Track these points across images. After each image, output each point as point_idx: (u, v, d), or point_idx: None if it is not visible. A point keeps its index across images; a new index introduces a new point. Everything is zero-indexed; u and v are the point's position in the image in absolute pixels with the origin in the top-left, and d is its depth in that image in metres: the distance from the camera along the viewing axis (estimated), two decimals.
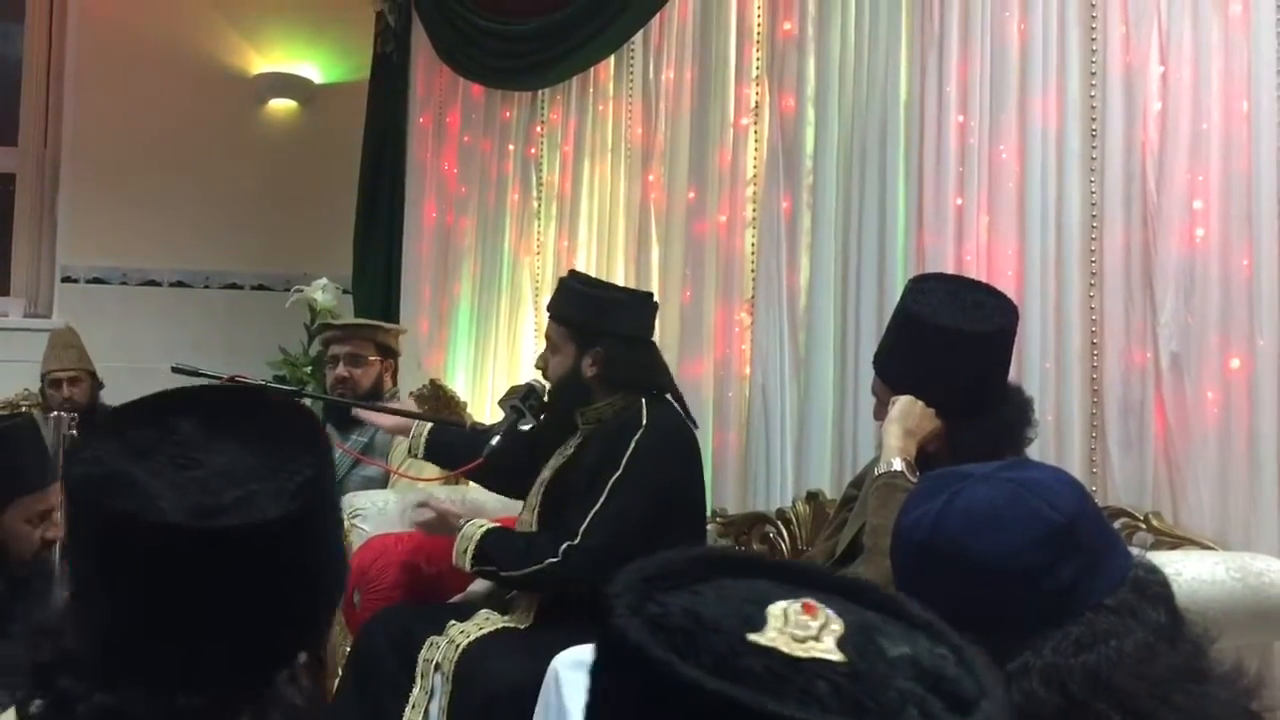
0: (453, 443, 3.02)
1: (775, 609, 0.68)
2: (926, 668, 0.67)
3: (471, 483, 3.19)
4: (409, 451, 3.09)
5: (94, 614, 1.00)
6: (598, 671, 0.71)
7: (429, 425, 3.04)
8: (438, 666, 2.51)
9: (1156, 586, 1.10)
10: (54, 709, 0.97)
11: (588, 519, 2.50)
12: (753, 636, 0.66)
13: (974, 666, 0.69)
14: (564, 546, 2.49)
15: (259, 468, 0.98)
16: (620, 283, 3.81)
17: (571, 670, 2.31)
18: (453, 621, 2.60)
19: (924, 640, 0.70)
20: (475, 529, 2.61)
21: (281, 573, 0.99)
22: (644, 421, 2.61)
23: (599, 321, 2.71)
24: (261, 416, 1.04)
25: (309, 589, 1.03)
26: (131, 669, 0.96)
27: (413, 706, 2.53)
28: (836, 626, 0.67)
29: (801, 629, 0.66)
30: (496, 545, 2.59)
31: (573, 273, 2.98)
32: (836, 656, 0.65)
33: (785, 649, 0.65)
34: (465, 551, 2.59)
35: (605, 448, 2.61)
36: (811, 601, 0.68)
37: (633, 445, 2.57)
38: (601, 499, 2.51)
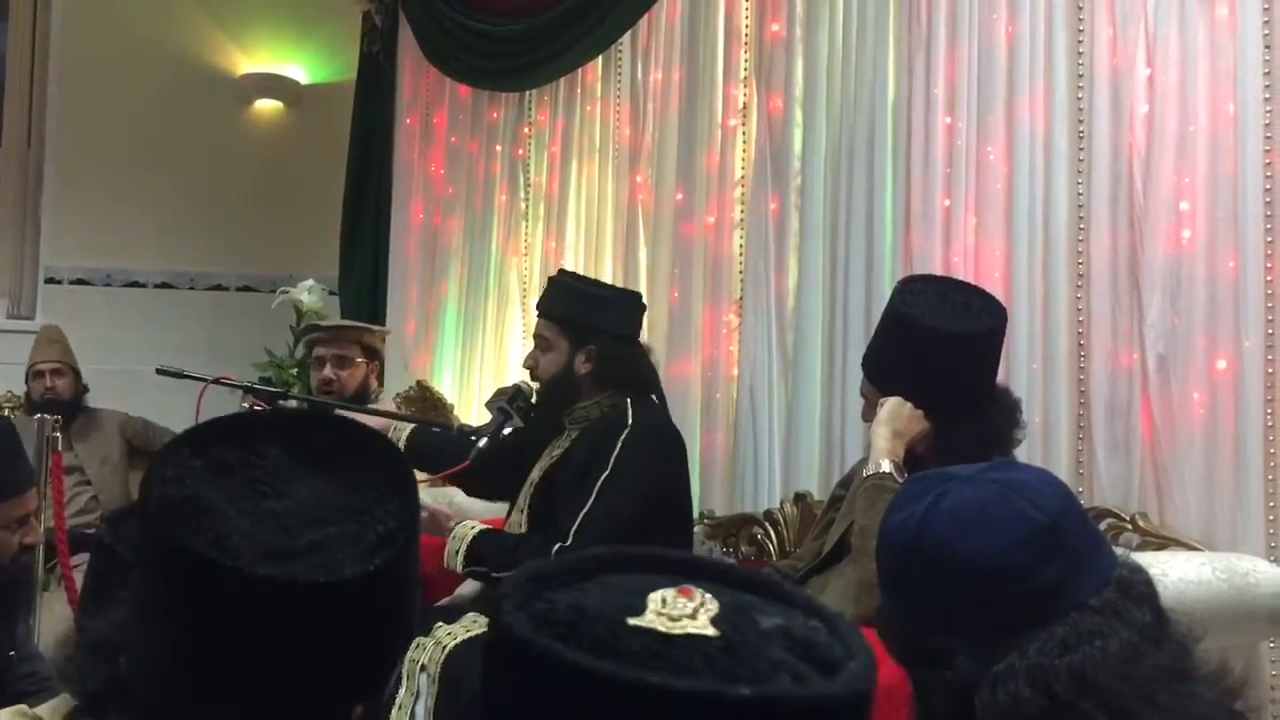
0: (432, 445, 3.00)
1: (654, 595, 0.72)
2: (798, 637, 0.72)
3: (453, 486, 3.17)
4: None
5: (151, 646, 0.96)
6: (489, 668, 0.74)
7: (408, 429, 3.01)
8: (423, 668, 2.50)
9: (1141, 586, 1.10)
10: None
11: (578, 519, 2.49)
12: (632, 620, 0.70)
13: (844, 634, 0.73)
14: (555, 548, 2.48)
15: (343, 508, 0.95)
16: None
17: None
18: (440, 623, 2.59)
19: (799, 615, 0.74)
20: (467, 529, 2.60)
21: (350, 632, 0.95)
22: (629, 421, 2.60)
23: (593, 318, 2.69)
24: (352, 452, 1.00)
25: (376, 647, 0.99)
26: (185, 710, 0.94)
27: (399, 707, 2.51)
28: (712, 606, 0.71)
29: (677, 610, 0.71)
30: (489, 546, 2.58)
31: (563, 271, 2.97)
32: (710, 631, 0.69)
33: (662, 628, 0.69)
34: (457, 552, 2.58)
35: (593, 447, 2.61)
36: (688, 586, 0.73)
37: (619, 445, 2.55)
38: (591, 499, 2.51)
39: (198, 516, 0.92)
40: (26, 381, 4.30)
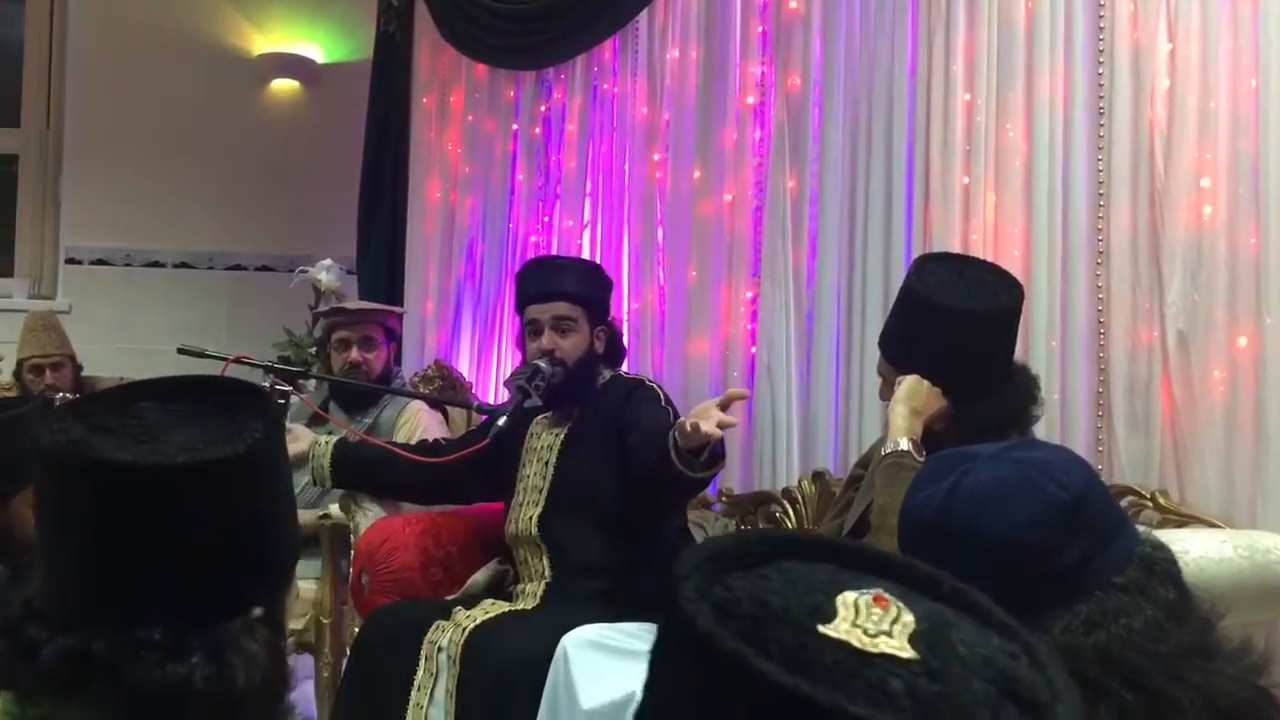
0: (368, 460, 2.95)
1: (845, 599, 0.65)
2: (1000, 668, 0.65)
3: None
4: (314, 482, 2.98)
5: (55, 565, 1.04)
6: (660, 652, 0.69)
7: (330, 446, 2.93)
8: (442, 649, 2.53)
9: (1164, 564, 1.10)
10: (19, 656, 1.01)
11: None
12: (823, 628, 0.64)
13: (1047, 668, 0.67)
14: None
15: (215, 439, 1.04)
16: (625, 263, 3.82)
17: (580, 649, 2.32)
18: (459, 608, 2.62)
19: (996, 638, 0.68)
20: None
21: (226, 517, 1.03)
22: (638, 379, 2.82)
23: (606, 298, 2.84)
24: (222, 400, 1.09)
25: (256, 539, 1.07)
26: (90, 610, 1.01)
27: (418, 688, 2.54)
28: (909, 620, 0.65)
29: (873, 622, 0.64)
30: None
31: (554, 257, 3.04)
32: (909, 654, 0.63)
33: (856, 644, 0.63)
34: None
35: (625, 410, 2.67)
36: (883, 593, 0.66)
37: (657, 390, 2.73)
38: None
39: (85, 448, 1.01)
40: (18, 372, 4.01)
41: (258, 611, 1.06)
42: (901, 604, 0.65)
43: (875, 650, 0.63)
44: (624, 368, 2.97)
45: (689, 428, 2.23)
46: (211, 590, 1.03)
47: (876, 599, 0.65)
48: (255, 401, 1.11)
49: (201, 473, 1.01)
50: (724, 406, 2.28)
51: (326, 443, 2.96)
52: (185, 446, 1.02)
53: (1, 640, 1.03)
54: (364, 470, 2.96)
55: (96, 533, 1.02)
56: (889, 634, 0.63)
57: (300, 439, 2.93)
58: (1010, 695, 0.63)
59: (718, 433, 2.22)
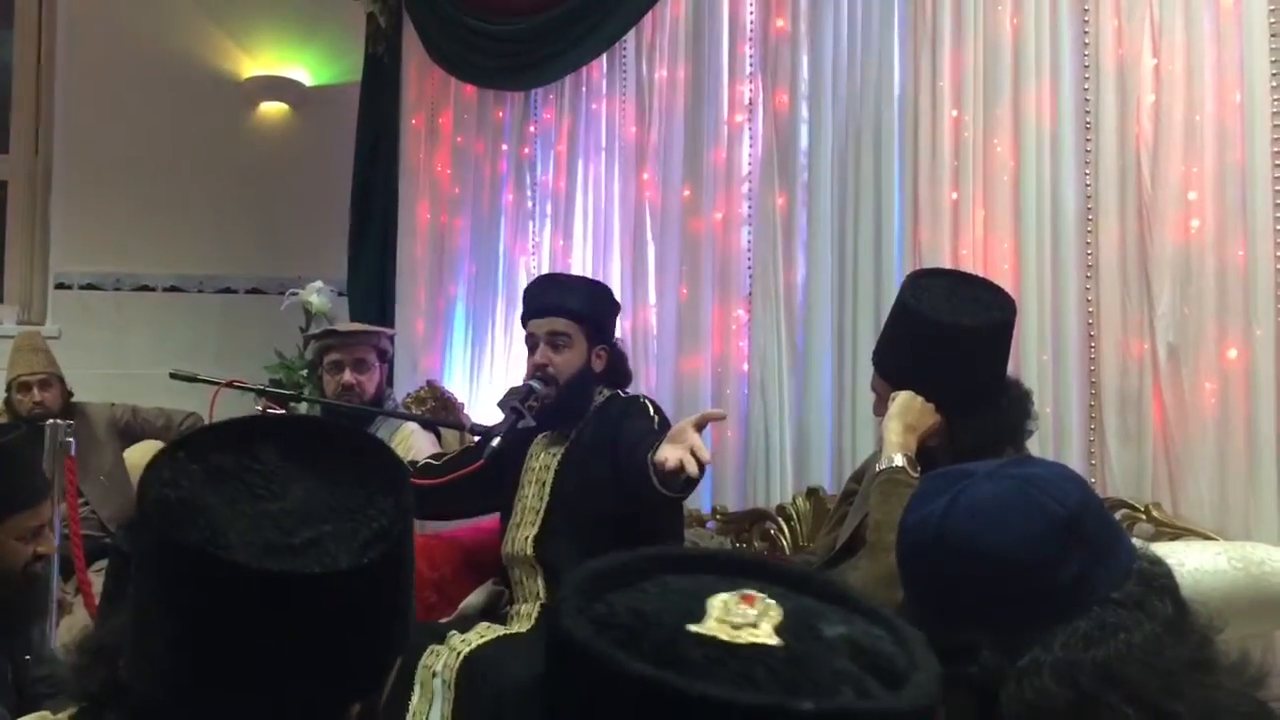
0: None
1: (715, 600, 0.71)
2: (862, 647, 0.70)
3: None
4: None
5: (149, 646, 0.98)
6: (549, 671, 0.74)
7: None
8: (436, 674, 2.51)
9: (1162, 578, 1.10)
10: None
11: None
12: (693, 627, 0.69)
13: (908, 643, 0.72)
14: None
15: (337, 507, 0.96)
16: (617, 282, 3.82)
17: None
18: (453, 632, 2.60)
19: (861, 621, 0.73)
20: None
21: (345, 625, 0.96)
22: (633, 397, 2.78)
23: (608, 319, 2.82)
24: (347, 453, 1.02)
25: (372, 643, 1.00)
26: (180, 701, 0.95)
27: (413, 714, 2.52)
28: (774, 614, 0.70)
29: (740, 617, 0.69)
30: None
31: (561, 275, 3.01)
32: (773, 641, 0.68)
33: (724, 637, 0.68)
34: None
35: (620, 426, 2.67)
36: (750, 591, 0.71)
37: (646, 404, 2.73)
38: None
39: (194, 515, 0.93)
40: (9, 396, 4.01)
41: (356, 709, 1.00)
42: (770, 600, 0.71)
43: (742, 641, 0.68)
44: (629, 390, 2.93)
45: (658, 459, 2.25)
46: (314, 700, 0.97)
47: (744, 597, 0.71)
48: (386, 468, 1.02)
49: (329, 581, 0.93)
50: (700, 426, 2.29)
51: None
52: (305, 519, 0.94)
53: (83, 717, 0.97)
54: None
55: (203, 619, 0.94)
56: (755, 626, 0.69)
57: None
58: (871, 669, 0.69)
59: (686, 469, 2.23)
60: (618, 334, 2.99)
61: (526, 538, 2.74)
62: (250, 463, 0.98)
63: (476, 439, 2.99)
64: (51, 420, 3.07)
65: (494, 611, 2.80)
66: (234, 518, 0.93)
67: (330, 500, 0.96)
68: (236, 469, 0.97)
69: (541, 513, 2.75)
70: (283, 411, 3.07)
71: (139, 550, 1.01)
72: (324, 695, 0.97)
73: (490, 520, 3.01)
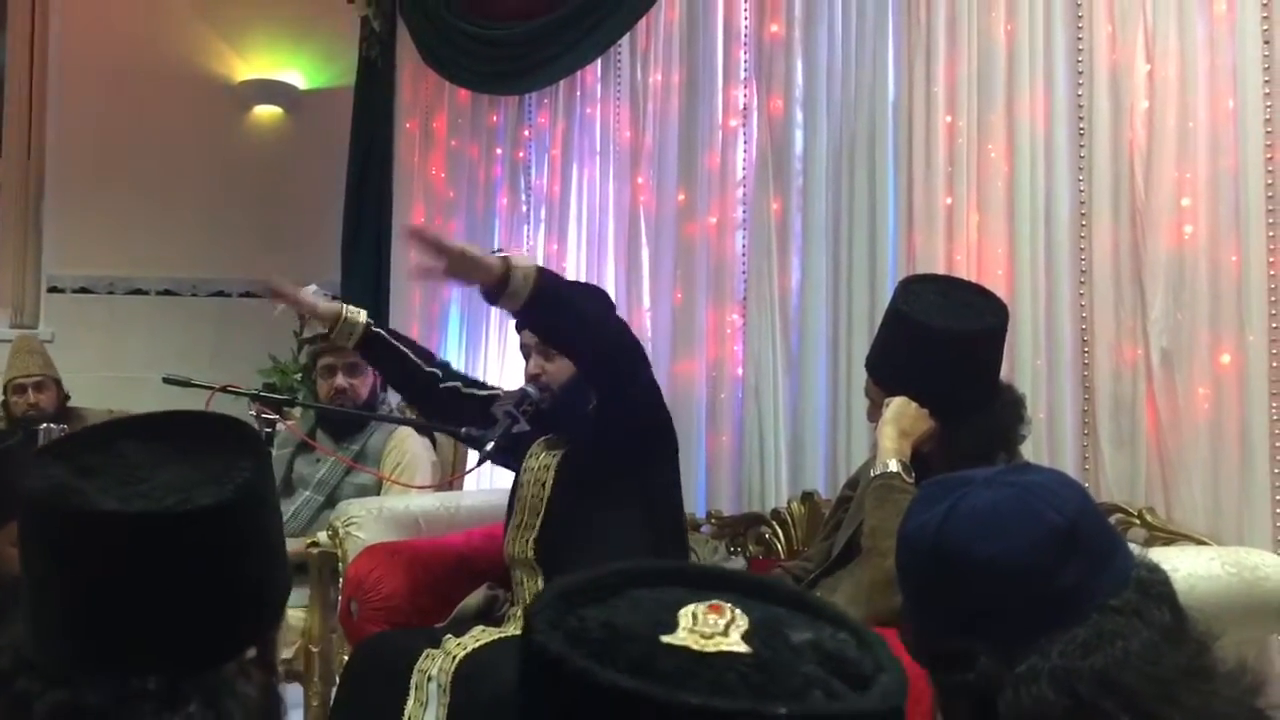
0: (395, 347, 2.99)
1: (685, 612, 0.73)
2: (829, 651, 0.73)
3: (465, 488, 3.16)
4: (332, 339, 3.02)
5: (43, 613, 1.02)
6: (523, 688, 0.75)
7: (364, 315, 2.98)
8: (431, 678, 2.51)
9: (1159, 585, 1.11)
10: (12, 711, 0.99)
11: None
12: (665, 638, 0.71)
13: (873, 647, 0.75)
14: None
15: (202, 478, 1.02)
16: (611, 286, 3.82)
17: None
18: (448, 636, 2.60)
19: (827, 628, 0.76)
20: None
21: (219, 562, 1.02)
22: None
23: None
24: (204, 434, 1.08)
25: (248, 582, 1.06)
26: (81, 661, 0.99)
27: (408, 718, 2.52)
28: (742, 622, 0.72)
29: (709, 627, 0.72)
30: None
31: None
32: (742, 648, 0.71)
33: (695, 646, 0.70)
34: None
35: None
36: (718, 602, 0.74)
37: None
38: None
39: (66, 494, 0.99)
40: (5, 400, 4.05)
41: (251, 653, 1.04)
42: (737, 609, 0.73)
43: (712, 650, 0.70)
44: None
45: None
46: (205, 635, 1.01)
47: (712, 607, 0.73)
48: (242, 437, 1.09)
49: (191, 519, 0.99)
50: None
51: (359, 310, 2.97)
52: (173, 488, 1.00)
53: None
54: (390, 351, 2.99)
55: (85, 581, 1.00)
56: (724, 634, 0.71)
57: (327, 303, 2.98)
58: (838, 673, 0.71)
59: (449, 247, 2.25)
60: None
61: (527, 540, 2.74)
62: (115, 458, 1.03)
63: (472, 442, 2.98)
64: (45, 424, 3.07)
65: (490, 615, 2.80)
66: (105, 499, 0.99)
67: (195, 475, 1.02)
68: (104, 464, 1.02)
69: (541, 515, 2.74)
70: (275, 416, 3.07)
71: (24, 536, 1.06)
72: (213, 633, 1.02)
73: (486, 528, 3.01)
